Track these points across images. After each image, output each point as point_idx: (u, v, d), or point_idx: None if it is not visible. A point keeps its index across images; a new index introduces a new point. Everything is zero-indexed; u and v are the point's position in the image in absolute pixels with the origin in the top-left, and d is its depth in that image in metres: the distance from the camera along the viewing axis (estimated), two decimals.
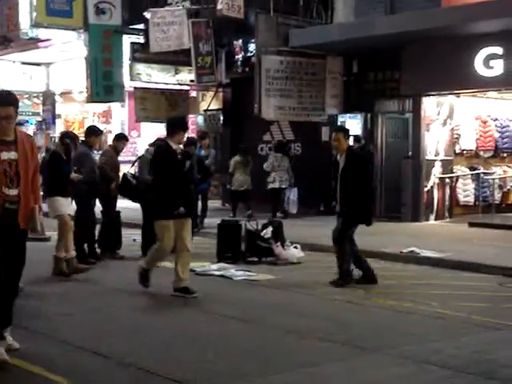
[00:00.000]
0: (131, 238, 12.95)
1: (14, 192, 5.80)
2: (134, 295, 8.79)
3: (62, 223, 10.00)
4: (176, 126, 8.81)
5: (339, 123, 17.62)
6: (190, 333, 6.96)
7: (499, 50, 14.62)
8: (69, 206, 10.39)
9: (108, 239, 11.79)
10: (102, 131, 12.19)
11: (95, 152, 12.24)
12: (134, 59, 19.34)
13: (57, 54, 23.20)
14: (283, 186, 17.23)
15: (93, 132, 11.62)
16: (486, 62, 14.77)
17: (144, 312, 7.98)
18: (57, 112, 25.85)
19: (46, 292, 8.92)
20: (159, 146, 9.47)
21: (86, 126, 17.55)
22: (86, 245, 11.09)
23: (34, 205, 5.95)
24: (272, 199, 17.24)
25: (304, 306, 8.22)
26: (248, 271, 10.33)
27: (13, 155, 5.83)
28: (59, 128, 24.73)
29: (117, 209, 12.13)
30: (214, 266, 10.73)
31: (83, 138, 11.63)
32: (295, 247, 11.55)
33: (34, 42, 21.68)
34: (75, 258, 10.09)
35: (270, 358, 6.12)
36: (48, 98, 25.69)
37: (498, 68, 14.68)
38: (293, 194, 17.72)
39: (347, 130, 10.05)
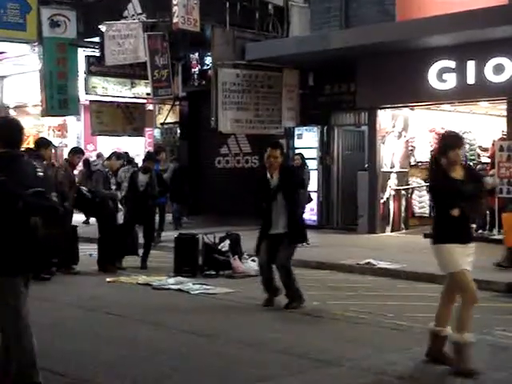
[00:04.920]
0: (87, 252, 12.82)
1: None
2: (92, 311, 8.69)
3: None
4: None
5: (296, 136, 17.75)
6: (147, 348, 6.90)
7: (452, 64, 14.86)
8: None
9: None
10: (50, 142, 12.01)
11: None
12: (90, 72, 19.22)
13: (11, 68, 22.99)
14: None
15: (44, 144, 11.36)
16: (439, 75, 15.00)
17: (102, 328, 7.89)
18: None
19: None
20: None
21: None
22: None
23: None
24: None
25: (263, 319, 8.22)
26: (205, 285, 10.30)
27: None
28: None
29: (73, 223, 12.00)
30: (171, 280, 10.67)
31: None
32: (253, 260, 11.54)
33: None
34: None
35: (229, 372, 6.10)
36: (2, 111, 25.35)
37: (450, 81, 14.92)
38: None
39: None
